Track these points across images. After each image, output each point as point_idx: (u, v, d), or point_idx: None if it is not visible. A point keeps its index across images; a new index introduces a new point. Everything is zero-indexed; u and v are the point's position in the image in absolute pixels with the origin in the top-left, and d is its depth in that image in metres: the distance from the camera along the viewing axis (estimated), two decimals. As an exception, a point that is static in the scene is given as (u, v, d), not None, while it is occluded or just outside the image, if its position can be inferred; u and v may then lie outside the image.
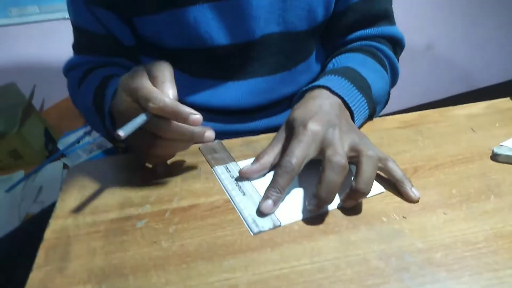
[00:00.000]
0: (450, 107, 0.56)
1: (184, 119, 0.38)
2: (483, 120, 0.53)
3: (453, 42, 2.05)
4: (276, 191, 0.38)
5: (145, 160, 0.46)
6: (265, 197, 0.38)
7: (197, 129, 0.40)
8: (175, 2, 0.53)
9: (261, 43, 0.58)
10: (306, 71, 0.64)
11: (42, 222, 0.54)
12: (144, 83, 0.39)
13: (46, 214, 0.59)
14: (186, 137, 0.41)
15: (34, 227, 0.58)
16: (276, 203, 0.38)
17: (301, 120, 0.41)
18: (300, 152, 0.38)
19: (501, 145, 0.45)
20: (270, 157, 0.43)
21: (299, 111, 0.43)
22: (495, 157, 0.44)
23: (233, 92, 0.60)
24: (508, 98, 0.57)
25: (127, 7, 0.55)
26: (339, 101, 0.46)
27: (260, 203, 0.39)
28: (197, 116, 0.39)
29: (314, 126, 0.40)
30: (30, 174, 1.18)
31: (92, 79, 0.56)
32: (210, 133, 0.42)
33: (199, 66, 0.60)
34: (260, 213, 0.38)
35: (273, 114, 0.64)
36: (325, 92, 0.46)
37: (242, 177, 0.43)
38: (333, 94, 0.46)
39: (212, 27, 0.55)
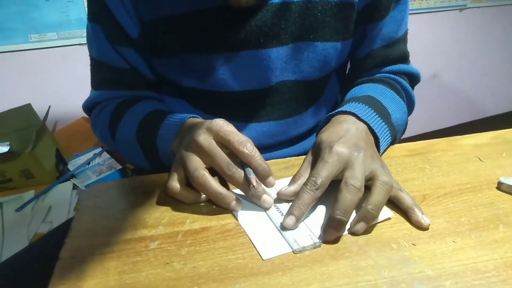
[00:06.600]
0: (458, 137, 0.57)
1: (264, 176, 0.43)
2: (490, 150, 0.53)
3: (459, 71, 2.08)
4: (300, 207, 0.40)
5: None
6: (289, 213, 0.40)
7: (232, 202, 0.43)
8: (192, 50, 0.55)
9: (275, 89, 0.59)
10: (316, 113, 0.66)
11: (51, 242, 0.54)
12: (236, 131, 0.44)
13: (55, 234, 0.59)
14: (214, 199, 0.44)
15: (43, 247, 0.58)
16: (298, 219, 0.40)
17: (328, 142, 0.43)
18: (325, 173, 0.40)
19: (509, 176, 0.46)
20: (305, 179, 0.44)
21: (326, 134, 0.45)
22: (500, 187, 0.45)
23: (245, 134, 0.61)
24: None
25: (146, 48, 0.58)
26: (365, 127, 0.48)
27: (283, 218, 0.40)
28: (272, 181, 0.43)
29: (340, 148, 0.42)
30: (40, 194, 1.19)
31: (136, 112, 0.57)
32: (235, 205, 0.43)
33: (213, 106, 0.61)
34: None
35: (281, 148, 0.66)
36: (351, 118, 0.48)
37: (281, 198, 0.44)
38: (359, 120, 0.48)
39: (228, 75, 0.57)
